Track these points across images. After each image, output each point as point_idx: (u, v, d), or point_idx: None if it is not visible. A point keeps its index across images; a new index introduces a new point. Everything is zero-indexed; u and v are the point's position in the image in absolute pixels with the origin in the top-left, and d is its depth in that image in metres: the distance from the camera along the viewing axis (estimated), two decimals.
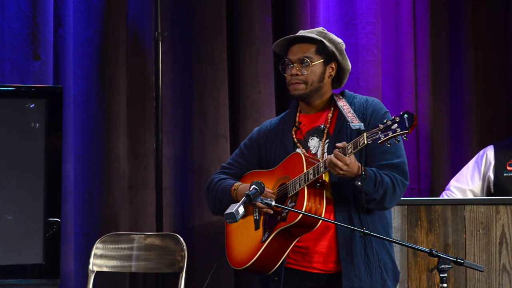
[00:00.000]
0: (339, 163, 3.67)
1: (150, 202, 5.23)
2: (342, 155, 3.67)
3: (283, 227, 3.77)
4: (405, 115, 3.53)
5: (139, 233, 4.88)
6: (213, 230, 5.27)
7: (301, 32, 4.05)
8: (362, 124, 3.75)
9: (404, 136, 3.55)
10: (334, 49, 3.98)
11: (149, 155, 5.24)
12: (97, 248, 4.75)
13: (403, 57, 5.74)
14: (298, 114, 4.06)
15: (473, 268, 3.51)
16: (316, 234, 3.83)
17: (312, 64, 3.95)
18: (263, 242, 3.84)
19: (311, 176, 3.76)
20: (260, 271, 3.95)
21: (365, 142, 3.61)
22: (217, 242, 5.28)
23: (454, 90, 5.86)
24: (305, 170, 3.80)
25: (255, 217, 3.93)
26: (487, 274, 4.63)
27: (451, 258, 3.44)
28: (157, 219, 5.12)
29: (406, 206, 4.69)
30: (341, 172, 3.69)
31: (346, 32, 5.63)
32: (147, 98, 5.25)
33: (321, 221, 3.74)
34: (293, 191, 3.82)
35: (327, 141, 3.91)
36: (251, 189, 3.72)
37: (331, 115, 3.97)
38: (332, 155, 3.69)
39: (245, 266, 3.92)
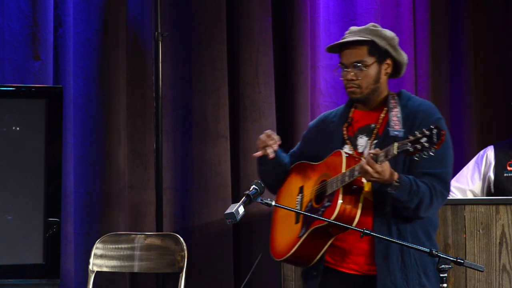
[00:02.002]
0: (370, 169, 3.61)
1: (150, 202, 5.23)
2: (374, 162, 3.61)
3: (318, 225, 3.76)
4: (434, 130, 3.46)
5: (139, 233, 4.88)
6: (213, 230, 5.28)
7: (351, 35, 3.92)
8: (402, 131, 3.66)
9: (432, 152, 3.50)
10: (387, 46, 3.87)
11: (149, 155, 5.24)
12: (97, 248, 4.75)
13: None
14: (352, 110, 3.98)
15: (473, 268, 3.50)
16: (355, 236, 3.79)
17: (366, 67, 3.85)
18: (300, 237, 3.82)
19: (346, 178, 3.72)
20: (298, 263, 3.96)
21: (395, 152, 3.56)
22: (217, 242, 5.29)
23: (454, 90, 5.86)
24: (343, 170, 3.75)
25: (297, 209, 3.93)
26: (487, 274, 4.62)
27: (451, 258, 3.44)
28: (157, 219, 5.12)
29: None
30: (372, 178, 3.64)
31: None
32: (147, 98, 5.25)
33: (356, 222, 3.70)
34: (330, 190, 3.80)
35: (375, 141, 3.84)
36: (251, 189, 3.71)
37: (383, 115, 3.89)
38: (365, 160, 3.65)
39: (282, 258, 3.91)
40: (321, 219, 3.69)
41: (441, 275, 3.42)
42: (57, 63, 5.03)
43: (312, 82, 5.53)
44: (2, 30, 4.95)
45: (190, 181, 5.31)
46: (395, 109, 3.84)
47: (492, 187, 5.11)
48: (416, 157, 3.51)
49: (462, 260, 3.44)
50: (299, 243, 3.82)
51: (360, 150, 3.88)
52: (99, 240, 4.77)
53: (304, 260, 3.87)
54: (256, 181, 3.77)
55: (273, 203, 3.66)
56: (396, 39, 3.92)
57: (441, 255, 3.43)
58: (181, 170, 5.33)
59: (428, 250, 3.47)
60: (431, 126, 3.49)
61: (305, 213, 3.76)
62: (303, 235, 3.81)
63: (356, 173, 3.68)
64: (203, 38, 5.33)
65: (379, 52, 3.87)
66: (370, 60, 3.86)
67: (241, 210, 3.60)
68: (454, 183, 5.18)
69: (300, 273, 4.03)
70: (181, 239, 4.73)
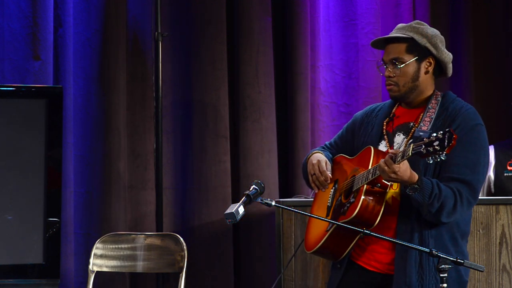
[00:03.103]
0: (387, 169, 3.59)
1: (150, 202, 5.23)
2: (392, 162, 3.58)
3: (343, 221, 3.75)
4: (447, 134, 3.41)
5: (139, 233, 4.88)
6: (213, 230, 5.28)
7: (394, 32, 3.89)
8: (428, 132, 3.57)
9: (443, 156, 3.45)
10: (427, 44, 3.82)
11: (149, 155, 5.24)
12: (97, 248, 4.75)
13: None
14: (397, 105, 3.95)
15: (473, 268, 3.50)
16: (380, 232, 3.73)
17: (403, 65, 3.81)
18: (327, 231, 3.83)
19: (370, 176, 3.70)
20: (327, 256, 3.96)
21: (409, 153, 3.52)
22: (217, 242, 5.29)
23: (454, 90, 5.85)
24: (370, 167, 3.73)
25: (328, 203, 3.93)
26: (487, 274, 4.62)
27: (451, 258, 3.44)
28: (157, 219, 5.12)
29: None
30: (389, 178, 3.62)
31: (346, 32, 5.63)
32: (147, 98, 5.25)
33: (378, 220, 3.69)
34: (356, 186, 3.77)
35: (410, 140, 3.74)
36: (251, 189, 3.71)
37: (423, 114, 3.85)
38: (383, 160, 3.63)
39: (311, 251, 3.91)
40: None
41: (441, 275, 3.42)
42: (57, 63, 5.03)
43: (312, 82, 5.52)
44: (2, 30, 4.95)
45: (190, 181, 5.31)
46: (432, 110, 3.81)
47: (492, 187, 5.11)
48: (429, 160, 3.49)
49: (462, 260, 3.43)
50: (325, 237, 3.81)
51: (395, 147, 3.84)
52: (99, 240, 4.77)
53: (332, 254, 3.87)
54: (256, 181, 3.77)
55: (273, 203, 3.65)
56: (440, 38, 3.86)
57: (441, 255, 3.43)
58: (181, 170, 5.32)
59: (428, 250, 3.47)
60: (446, 130, 3.44)
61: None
62: (329, 229, 3.81)
63: (377, 171, 3.67)
64: (203, 38, 5.33)
65: (418, 50, 3.83)
66: (408, 57, 3.82)
67: (241, 210, 3.60)
68: None
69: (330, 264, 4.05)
70: (181, 239, 4.72)
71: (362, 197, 3.70)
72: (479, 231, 4.65)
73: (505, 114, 5.76)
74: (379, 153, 3.78)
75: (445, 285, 3.42)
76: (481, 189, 5.10)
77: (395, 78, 3.84)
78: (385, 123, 3.92)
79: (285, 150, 5.50)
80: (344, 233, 3.79)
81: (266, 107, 5.40)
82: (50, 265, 4.49)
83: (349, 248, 3.82)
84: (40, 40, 4.95)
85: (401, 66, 3.82)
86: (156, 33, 5.13)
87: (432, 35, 3.85)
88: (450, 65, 3.89)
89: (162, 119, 5.14)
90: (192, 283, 5.09)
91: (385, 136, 3.88)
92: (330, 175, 3.90)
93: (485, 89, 5.89)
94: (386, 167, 3.60)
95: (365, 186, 3.71)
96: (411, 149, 3.51)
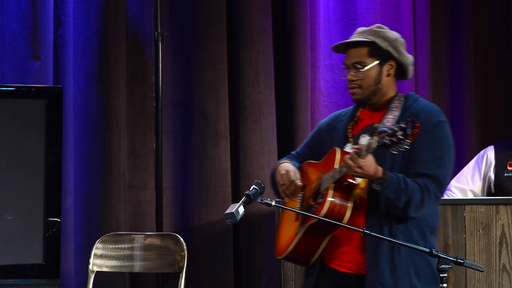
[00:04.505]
0: (352, 164, 3.62)
1: (150, 202, 5.23)
2: (356, 157, 3.62)
3: (310, 222, 3.76)
4: (410, 123, 3.46)
5: (139, 233, 4.88)
6: (213, 230, 5.28)
7: (355, 36, 3.93)
8: (390, 128, 3.61)
9: (406, 145, 3.51)
10: (388, 47, 3.87)
11: (149, 155, 5.25)
12: (97, 248, 4.75)
13: None
14: (361, 109, 3.98)
15: (473, 268, 3.50)
16: (347, 234, 3.80)
17: (365, 68, 3.85)
18: (297, 234, 3.84)
19: (336, 175, 3.73)
20: (298, 261, 3.97)
21: (374, 146, 3.56)
22: (217, 242, 5.29)
23: (454, 90, 5.86)
24: (336, 167, 3.76)
25: (297, 207, 3.94)
26: (487, 274, 4.63)
27: (451, 258, 3.44)
28: (157, 219, 5.12)
29: None
30: (355, 173, 3.65)
31: (346, 32, 5.62)
32: (147, 98, 5.25)
33: (346, 219, 3.70)
34: (323, 187, 3.80)
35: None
36: (251, 189, 3.71)
37: (386, 114, 3.88)
38: (348, 156, 3.66)
39: (282, 256, 3.92)
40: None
41: (441, 275, 3.42)
42: (57, 63, 5.03)
43: (312, 82, 5.53)
44: (2, 30, 4.95)
45: (190, 181, 5.31)
46: (395, 109, 3.84)
47: (492, 187, 5.11)
48: (394, 151, 3.52)
49: (462, 260, 3.43)
50: (295, 240, 3.83)
51: None
52: (99, 240, 4.77)
53: (303, 258, 3.88)
54: (256, 181, 3.78)
55: (273, 203, 3.66)
56: (401, 41, 3.92)
57: (441, 255, 3.43)
58: (181, 170, 5.33)
59: (428, 250, 3.47)
60: (408, 119, 3.49)
61: (303, 212, 3.77)
62: (299, 232, 3.82)
63: (344, 169, 3.70)
64: (203, 38, 5.33)
65: (380, 54, 3.87)
66: (370, 61, 3.86)
67: (241, 210, 3.60)
68: (454, 183, 5.18)
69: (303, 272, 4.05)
70: (181, 239, 4.73)
71: (329, 196, 3.73)
72: (479, 231, 4.65)
73: (505, 114, 5.76)
74: (344, 153, 3.80)
75: (445, 285, 3.42)
76: (482, 189, 5.12)
77: (358, 81, 3.87)
78: (349, 127, 3.96)
79: (285, 150, 5.49)
80: (313, 235, 3.81)
81: (266, 107, 5.40)
82: (50, 265, 4.49)
83: (319, 251, 3.84)
84: (40, 40, 4.95)
85: (364, 69, 3.85)
86: (156, 33, 5.13)
87: (393, 38, 3.90)
88: (411, 68, 3.94)
89: (162, 119, 5.14)
90: (192, 283, 5.09)
91: (350, 139, 3.91)
92: (299, 183, 3.91)
93: (485, 89, 5.89)
94: (351, 162, 3.63)
95: (332, 185, 3.74)
96: (375, 141, 3.55)
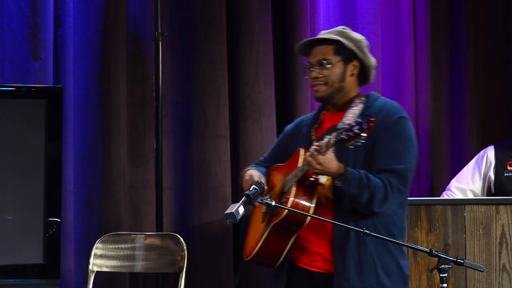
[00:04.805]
0: (312, 161, 3.67)
1: (150, 202, 5.23)
2: (316, 154, 3.67)
3: (275, 222, 3.78)
4: (365, 117, 3.51)
5: (139, 233, 4.88)
6: (213, 230, 5.28)
7: (320, 34, 4.01)
8: (347, 124, 3.69)
9: (362, 139, 3.51)
10: (353, 47, 3.92)
11: (149, 155, 5.24)
12: (97, 248, 4.75)
13: (403, 57, 5.74)
14: (323, 112, 4.03)
15: (473, 268, 3.51)
16: (315, 233, 3.83)
17: (331, 65, 3.90)
18: (262, 235, 3.85)
19: (299, 173, 3.77)
20: (265, 263, 3.96)
21: (332, 142, 3.60)
22: (217, 242, 5.29)
23: (454, 90, 5.86)
24: (298, 166, 3.80)
25: (263, 210, 3.95)
26: (487, 274, 4.63)
27: (451, 258, 3.44)
28: (157, 219, 5.12)
29: None
30: (315, 170, 3.69)
31: None
32: (147, 98, 5.25)
33: (308, 218, 3.73)
34: (287, 187, 3.82)
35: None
36: (251, 189, 3.72)
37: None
38: (309, 153, 3.71)
39: (248, 258, 3.94)
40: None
41: (441, 275, 3.43)
42: (57, 63, 5.03)
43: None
44: (2, 30, 4.95)
45: (190, 181, 5.31)
46: (355, 108, 3.88)
47: (492, 187, 5.11)
48: (351, 146, 3.55)
49: (462, 260, 3.44)
50: (261, 240, 3.85)
51: None
52: (99, 240, 4.77)
53: (269, 259, 3.90)
54: (256, 181, 3.78)
55: (273, 203, 3.66)
56: (365, 42, 3.99)
57: (441, 255, 3.44)
58: (181, 170, 5.33)
59: (428, 250, 3.47)
60: (364, 114, 3.56)
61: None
62: (264, 232, 3.83)
63: (305, 167, 3.72)
64: (203, 38, 5.33)
65: (345, 53, 3.93)
66: (335, 59, 3.92)
67: (241, 210, 3.61)
68: (454, 183, 5.18)
69: (271, 273, 4.05)
70: (181, 239, 4.73)
71: (291, 196, 3.75)
72: (479, 231, 4.65)
73: (505, 114, 5.76)
74: (307, 153, 3.82)
75: (445, 285, 3.42)
76: (482, 189, 5.12)
77: (323, 78, 3.92)
78: (313, 130, 4.00)
79: None
80: (279, 235, 3.83)
81: (266, 107, 5.40)
82: (50, 265, 4.49)
83: (285, 252, 3.86)
84: (40, 40, 4.95)
85: (329, 66, 3.91)
86: (156, 33, 5.13)
87: (358, 39, 3.96)
88: (374, 71, 4.00)
89: (162, 119, 5.14)
90: (192, 283, 5.09)
91: (314, 142, 3.93)
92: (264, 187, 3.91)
93: (485, 89, 5.90)
94: (311, 159, 3.68)
95: (295, 184, 3.77)
96: (333, 137, 3.59)
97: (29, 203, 4.52)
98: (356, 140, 3.52)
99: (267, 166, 4.16)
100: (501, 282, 4.62)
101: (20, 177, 4.53)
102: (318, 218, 3.64)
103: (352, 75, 3.95)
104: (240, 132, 5.38)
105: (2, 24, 4.95)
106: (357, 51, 3.93)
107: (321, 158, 3.66)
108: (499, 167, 5.12)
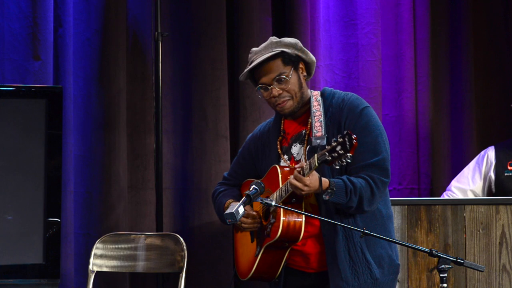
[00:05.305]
0: (298, 184, 3.66)
1: (150, 202, 5.23)
2: (301, 176, 3.66)
3: (268, 243, 3.82)
4: (346, 137, 3.50)
5: (139, 233, 4.88)
6: (213, 230, 5.28)
7: (257, 56, 3.95)
8: (324, 137, 3.72)
9: (349, 158, 3.51)
10: (296, 51, 3.92)
11: (149, 155, 5.24)
12: (97, 248, 4.75)
13: (403, 57, 5.74)
14: (282, 121, 4.03)
15: (473, 268, 3.51)
16: (307, 237, 3.84)
17: (288, 77, 3.88)
18: (256, 256, 3.87)
19: (283, 194, 3.78)
20: (264, 279, 3.99)
21: (316, 164, 3.59)
22: (217, 242, 5.29)
23: (454, 90, 5.86)
24: (280, 185, 3.81)
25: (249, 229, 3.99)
26: (487, 274, 4.63)
27: (451, 258, 3.44)
28: (157, 219, 5.12)
29: (406, 206, 4.69)
30: (302, 192, 3.69)
31: (346, 32, 5.63)
32: (147, 98, 5.25)
33: (302, 234, 3.75)
34: (272, 207, 3.81)
35: (308, 147, 3.88)
36: (251, 189, 3.72)
37: (311, 120, 3.91)
38: (292, 176, 3.68)
39: (246, 278, 3.99)
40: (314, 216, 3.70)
41: (441, 275, 3.43)
42: (57, 63, 5.03)
43: (312, 82, 5.52)
44: (2, 30, 4.95)
45: (190, 181, 5.31)
46: (317, 113, 3.86)
47: (493, 186, 5.11)
48: (336, 165, 3.53)
49: (462, 260, 3.44)
50: (256, 262, 3.88)
51: (297, 158, 3.93)
52: (99, 240, 4.77)
53: (267, 275, 3.94)
54: (256, 181, 3.78)
55: (273, 203, 3.66)
56: (299, 43, 3.97)
57: (441, 255, 3.44)
58: (181, 170, 5.32)
59: (428, 250, 3.47)
60: (344, 132, 3.52)
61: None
62: (258, 253, 3.84)
63: (289, 187, 3.73)
64: (203, 38, 5.33)
65: (291, 60, 3.91)
66: (287, 69, 3.90)
67: (241, 210, 3.61)
68: (455, 183, 5.18)
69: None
70: (181, 239, 4.73)
71: (282, 217, 3.75)
72: (479, 231, 4.65)
73: (505, 114, 5.76)
74: (284, 170, 3.85)
75: (445, 285, 3.42)
76: (482, 189, 5.12)
77: (286, 93, 3.89)
78: (278, 142, 3.99)
79: None
80: (273, 253, 3.86)
81: (266, 107, 5.39)
82: (50, 265, 4.49)
83: (282, 265, 3.89)
84: (40, 40, 4.95)
85: (287, 79, 3.87)
86: (156, 33, 5.13)
87: (294, 42, 3.96)
88: (314, 65, 3.99)
89: (162, 119, 5.14)
90: (192, 283, 5.09)
91: (282, 154, 3.95)
92: (254, 213, 3.93)
93: (485, 89, 5.89)
94: (297, 183, 3.67)
95: (282, 203, 3.76)
96: (316, 159, 3.59)
97: (29, 203, 4.52)
98: (341, 160, 3.52)
99: (233, 184, 4.18)
100: (501, 282, 4.62)
101: (20, 177, 4.53)
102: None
103: (304, 77, 3.95)
104: (240, 132, 5.38)
105: (2, 24, 4.95)
106: (300, 53, 3.93)
107: (306, 180, 3.66)
108: (500, 166, 5.12)
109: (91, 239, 4.97)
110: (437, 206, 4.68)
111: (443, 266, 3.43)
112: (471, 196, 5.12)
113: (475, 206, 4.67)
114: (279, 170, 3.85)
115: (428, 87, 5.77)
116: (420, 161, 5.75)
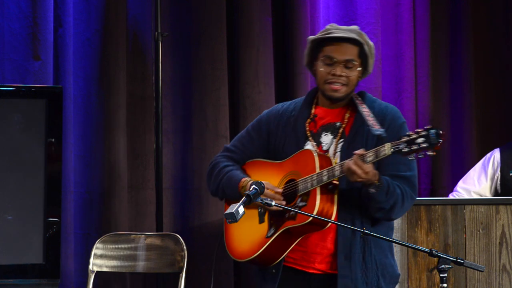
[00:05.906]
0: (358, 171, 3.60)
1: (150, 202, 5.23)
2: (362, 163, 3.60)
3: (292, 225, 3.75)
4: (432, 131, 3.45)
5: (139, 233, 4.88)
6: (213, 230, 5.28)
7: (341, 32, 3.85)
8: (383, 130, 3.66)
9: (431, 152, 3.46)
10: (369, 54, 3.87)
11: (149, 155, 5.24)
12: (97, 248, 4.75)
13: (403, 57, 5.74)
14: (314, 106, 3.95)
15: (473, 268, 3.51)
16: (317, 235, 3.80)
17: (356, 68, 3.83)
18: (269, 237, 3.81)
19: (325, 178, 3.69)
20: (261, 264, 3.92)
21: (388, 152, 3.54)
22: (217, 242, 5.28)
23: (454, 90, 5.86)
24: (317, 170, 3.72)
25: (260, 210, 3.90)
26: (487, 274, 4.62)
27: (451, 258, 3.44)
28: (157, 219, 5.12)
29: None
30: (358, 179, 3.63)
31: None
32: (147, 98, 5.25)
33: (330, 223, 3.70)
34: (303, 190, 3.78)
35: (341, 140, 3.82)
36: (251, 189, 3.70)
37: (348, 115, 3.86)
38: (351, 161, 3.61)
39: (248, 259, 3.88)
40: (324, 219, 3.67)
41: (441, 275, 3.43)
42: (57, 63, 5.03)
43: (312, 82, 5.52)
44: (2, 30, 4.95)
45: (190, 181, 5.31)
46: (366, 110, 3.81)
47: (499, 187, 5.12)
48: (411, 157, 3.50)
49: (462, 260, 3.44)
50: (267, 243, 3.81)
51: (324, 148, 3.86)
52: (99, 240, 4.77)
53: (268, 260, 3.86)
54: (256, 181, 3.77)
55: (273, 203, 3.65)
56: (374, 49, 3.91)
57: (441, 255, 3.43)
58: (181, 170, 5.32)
59: (428, 250, 3.47)
60: (426, 127, 3.48)
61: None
62: (272, 235, 3.80)
63: (337, 173, 3.67)
64: (203, 38, 5.33)
65: (363, 57, 3.86)
66: (358, 62, 3.85)
67: (241, 210, 3.60)
68: (461, 184, 5.19)
69: (255, 273, 4.00)
70: (181, 239, 4.73)
71: (318, 202, 3.70)
72: (479, 231, 4.65)
73: (505, 114, 5.76)
74: (322, 157, 3.77)
75: (445, 285, 3.42)
76: (489, 189, 5.13)
77: (346, 79, 3.83)
78: (307, 124, 3.91)
79: None
80: (285, 239, 3.79)
81: (266, 107, 5.38)
82: (50, 265, 4.49)
83: (285, 253, 3.83)
84: (40, 40, 4.95)
85: (353, 68, 3.83)
86: (156, 33, 5.13)
87: (372, 45, 3.90)
88: (365, 76, 3.92)
89: (162, 119, 5.14)
90: (192, 283, 5.09)
91: (310, 137, 3.88)
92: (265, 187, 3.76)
93: (485, 89, 5.89)
94: (357, 169, 3.60)
95: (318, 188, 3.71)
96: (388, 148, 3.54)
97: (29, 203, 4.52)
98: (421, 153, 3.47)
99: (237, 159, 4.02)
100: (501, 282, 4.62)
101: (20, 177, 4.53)
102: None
103: (359, 78, 3.89)
104: (240, 132, 5.38)
105: (2, 24, 4.95)
106: (370, 59, 3.87)
107: (367, 168, 3.60)
108: (504, 167, 5.13)
109: (91, 239, 4.97)
110: (437, 206, 4.68)
111: (443, 266, 3.43)
112: (476, 197, 5.11)
113: (475, 206, 4.67)
114: (316, 155, 3.76)
115: (428, 87, 5.77)
116: (420, 161, 5.74)
